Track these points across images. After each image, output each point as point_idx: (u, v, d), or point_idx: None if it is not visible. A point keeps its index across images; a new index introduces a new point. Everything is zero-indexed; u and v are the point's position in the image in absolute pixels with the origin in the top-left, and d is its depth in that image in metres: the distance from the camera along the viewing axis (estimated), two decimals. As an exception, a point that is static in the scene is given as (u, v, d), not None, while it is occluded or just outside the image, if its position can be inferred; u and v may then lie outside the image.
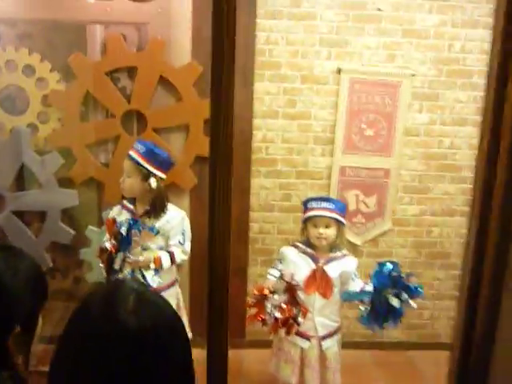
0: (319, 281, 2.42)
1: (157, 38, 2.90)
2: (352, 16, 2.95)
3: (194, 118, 2.97)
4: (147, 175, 2.47)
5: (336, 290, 2.44)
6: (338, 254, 2.47)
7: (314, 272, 2.43)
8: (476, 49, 3.01)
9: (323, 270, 2.42)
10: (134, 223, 2.37)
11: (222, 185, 1.20)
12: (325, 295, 2.41)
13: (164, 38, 2.91)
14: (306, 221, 2.46)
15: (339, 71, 2.99)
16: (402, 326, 3.35)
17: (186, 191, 3.09)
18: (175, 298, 2.65)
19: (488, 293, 1.46)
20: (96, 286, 1.00)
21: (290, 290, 2.30)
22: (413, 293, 2.29)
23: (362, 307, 2.31)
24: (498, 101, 1.35)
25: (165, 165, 2.53)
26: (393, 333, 3.30)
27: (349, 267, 2.45)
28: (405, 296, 2.27)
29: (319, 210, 2.40)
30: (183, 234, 2.56)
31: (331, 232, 2.40)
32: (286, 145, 3.08)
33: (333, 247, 2.47)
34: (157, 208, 2.50)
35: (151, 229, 2.43)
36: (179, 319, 0.97)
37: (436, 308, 3.35)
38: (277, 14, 2.94)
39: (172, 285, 2.65)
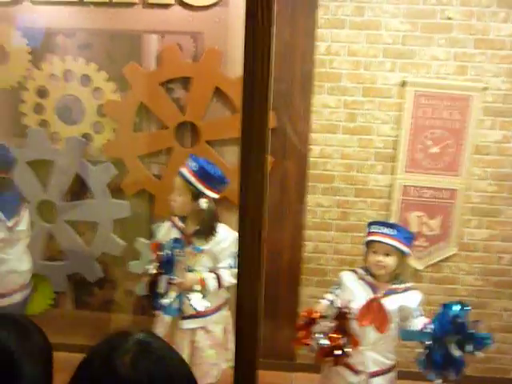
0: (375, 313, 2.22)
1: (213, 48, 2.82)
2: (420, 25, 2.76)
3: (248, 130, 2.86)
4: (198, 195, 2.33)
5: (393, 325, 2.24)
6: (401, 286, 2.25)
7: (370, 302, 2.23)
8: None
9: (381, 302, 2.22)
10: (176, 242, 2.27)
11: (253, 215, 1.07)
12: (380, 329, 2.20)
13: (220, 48, 2.82)
14: (367, 245, 2.28)
15: (404, 84, 2.80)
16: (467, 359, 3.11)
17: (237, 206, 2.98)
18: (223, 322, 2.51)
19: None
20: (104, 337, 0.99)
21: (341, 317, 2.13)
22: (479, 344, 2.06)
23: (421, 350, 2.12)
24: None
25: (218, 184, 2.37)
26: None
27: (411, 302, 2.23)
28: (469, 347, 2.05)
29: (379, 236, 2.20)
30: (235, 256, 2.41)
31: (391, 261, 2.20)
32: (345, 161, 2.92)
33: (394, 278, 2.26)
34: (206, 229, 2.36)
35: (196, 248, 2.33)
36: (185, 369, 0.96)
37: (504, 341, 3.08)
38: (338, 22, 2.79)
39: (219, 309, 2.48)
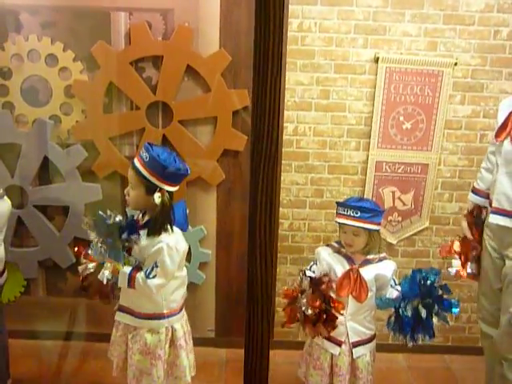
0: (353, 283, 2.27)
1: (183, 26, 2.76)
2: (391, 1, 2.77)
3: (222, 109, 2.83)
4: (152, 188, 2.12)
5: (371, 294, 2.29)
6: (375, 256, 2.32)
7: (348, 273, 2.29)
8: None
9: (358, 272, 2.28)
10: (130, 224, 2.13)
11: (265, 193, 1.05)
12: (359, 299, 2.27)
13: (191, 25, 2.77)
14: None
15: (376, 60, 2.81)
16: (438, 329, 3.20)
17: (213, 186, 2.96)
18: (161, 333, 2.28)
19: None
20: None
21: (316, 284, 2.16)
22: (445, 308, 2.14)
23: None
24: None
25: (173, 176, 2.14)
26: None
27: (386, 271, 2.30)
28: (435, 309, 2.13)
29: (344, 218, 2.27)
30: (155, 266, 2.13)
31: (360, 240, 2.28)
32: (319, 138, 2.93)
33: (369, 251, 2.31)
34: (155, 224, 2.14)
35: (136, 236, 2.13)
36: None
37: (474, 311, 3.17)
38: (310, -1, 2.77)
39: (156, 317, 2.27)
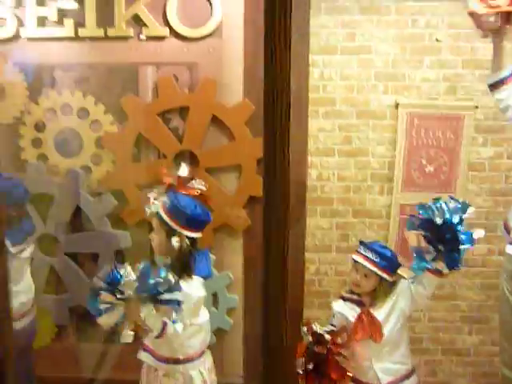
0: (367, 324, 2.27)
1: (208, 78, 2.87)
2: (409, 48, 2.85)
3: (246, 157, 2.90)
4: (174, 233, 2.18)
5: (390, 327, 2.27)
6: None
7: (360, 316, 2.29)
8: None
9: (369, 313, 2.27)
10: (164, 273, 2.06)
11: (278, 233, 1.09)
12: (375, 339, 2.26)
13: (215, 77, 2.87)
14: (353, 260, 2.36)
15: (397, 105, 2.87)
16: (472, 374, 3.13)
17: (239, 232, 3.01)
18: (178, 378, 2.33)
19: None
20: None
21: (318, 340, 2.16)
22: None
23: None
24: None
25: (193, 222, 2.20)
26: (460, 381, 3.10)
27: (398, 290, 2.31)
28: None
29: (361, 258, 2.29)
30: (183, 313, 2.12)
31: (369, 283, 2.28)
32: (343, 183, 2.97)
33: (375, 298, 2.32)
34: (172, 271, 2.14)
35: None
36: None
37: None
38: (330, 48, 2.86)
39: (172, 361, 2.30)
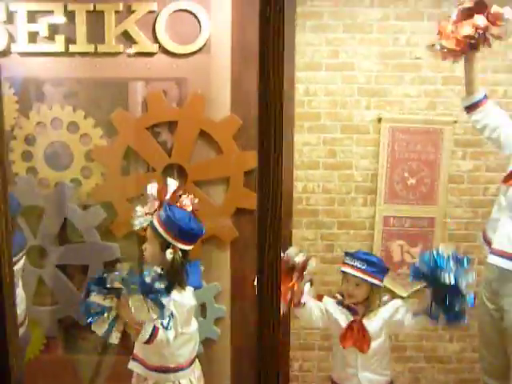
0: (356, 334, 2.34)
1: (196, 93, 2.94)
2: (390, 65, 2.95)
3: (234, 170, 2.97)
4: (167, 245, 2.26)
5: (380, 340, 2.35)
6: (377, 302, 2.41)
7: (351, 325, 2.36)
8: (520, 95, 2.95)
9: (361, 323, 2.35)
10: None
11: (271, 246, 1.17)
12: (361, 349, 2.33)
13: (203, 92, 2.95)
14: (342, 272, 2.43)
15: (379, 120, 2.97)
16: (453, 380, 3.22)
17: (227, 244, 3.07)
18: None
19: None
20: None
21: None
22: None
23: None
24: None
25: (187, 236, 2.28)
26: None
27: (393, 308, 2.39)
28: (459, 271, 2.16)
29: (350, 268, 2.37)
30: (170, 318, 2.20)
31: (361, 291, 2.36)
32: (327, 195, 3.06)
33: (369, 305, 2.39)
34: (169, 280, 2.19)
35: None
36: None
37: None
38: (315, 65, 2.96)
39: (163, 370, 2.37)
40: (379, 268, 2.36)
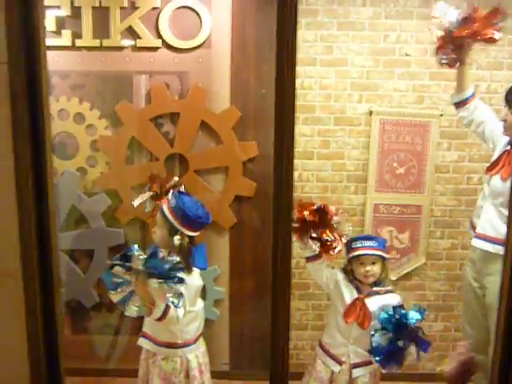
0: (359, 311, 2.51)
1: (198, 86, 3.09)
2: (381, 61, 3.12)
3: (233, 160, 3.13)
4: (175, 231, 2.41)
5: (374, 322, 2.54)
6: (382, 288, 2.56)
7: (354, 302, 2.52)
8: (502, 89, 3.13)
9: (363, 302, 2.52)
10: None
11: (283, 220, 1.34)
12: (362, 326, 2.50)
13: (204, 85, 3.10)
14: (351, 259, 2.56)
15: (370, 113, 3.14)
16: (438, 357, 3.43)
17: (226, 229, 3.24)
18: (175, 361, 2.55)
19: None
20: None
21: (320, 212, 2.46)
22: (422, 347, 2.36)
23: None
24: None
25: (194, 224, 2.43)
26: (428, 365, 3.39)
27: (391, 302, 2.54)
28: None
29: (365, 249, 2.50)
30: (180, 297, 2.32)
31: (377, 269, 2.51)
32: (321, 183, 3.23)
33: (377, 283, 2.56)
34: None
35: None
36: None
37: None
38: (310, 60, 3.12)
39: (169, 345, 2.53)
40: (384, 243, 2.56)
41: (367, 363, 2.58)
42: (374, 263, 2.50)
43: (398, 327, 2.34)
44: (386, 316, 2.37)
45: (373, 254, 2.49)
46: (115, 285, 2.24)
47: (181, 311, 2.34)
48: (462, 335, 2.86)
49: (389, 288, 2.58)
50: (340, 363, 2.57)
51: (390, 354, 2.37)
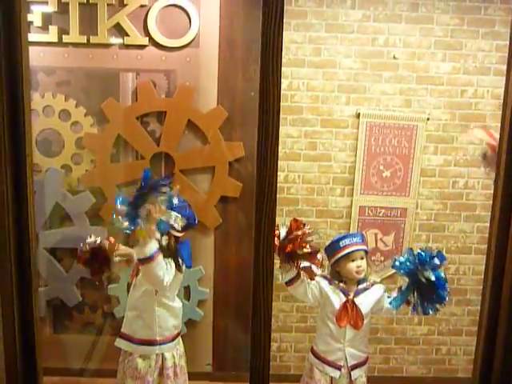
0: (350, 312, 2.52)
1: (185, 85, 3.08)
2: (369, 64, 3.12)
3: (219, 160, 3.12)
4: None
5: (366, 321, 2.54)
6: (367, 284, 2.58)
7: (345, 305, 2.53)
8: (488, 94, 3.16)
9: (354, 303, 2.52)
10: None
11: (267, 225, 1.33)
12: (356, 326, 2.51)
13: (192, 84, 3.09)
14: (339, 260, 2.55)
15: (358, 115, 3.14)
16: (421, 361, 3.44)
17: (211, 230, 3.22)
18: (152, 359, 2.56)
19: (506, 331, 1.57)
20: None
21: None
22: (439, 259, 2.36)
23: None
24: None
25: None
26: (411, 368, 3.40)
27: (379, 293, 2.57)
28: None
29: (356, 245, 2.53)
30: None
31: (365, 263, 2.55)
32: (308, 185, 3.23)
33: (363, 279, 2.57)
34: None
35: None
36: None
37: (453, 343, 3.43)
38: (298, 62, 3.12)
39: (147, 343, 2.54)
40: (363, 237, 2.62)
41: (363, 363, 2.61)
42: (362, 258, 2.53)
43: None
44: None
45: (362, 249, 2.53)
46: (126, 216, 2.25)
47: (168, 274, 2.35)
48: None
49: (372, 281, 2.61)
50: (339, 368, 2.56)
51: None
